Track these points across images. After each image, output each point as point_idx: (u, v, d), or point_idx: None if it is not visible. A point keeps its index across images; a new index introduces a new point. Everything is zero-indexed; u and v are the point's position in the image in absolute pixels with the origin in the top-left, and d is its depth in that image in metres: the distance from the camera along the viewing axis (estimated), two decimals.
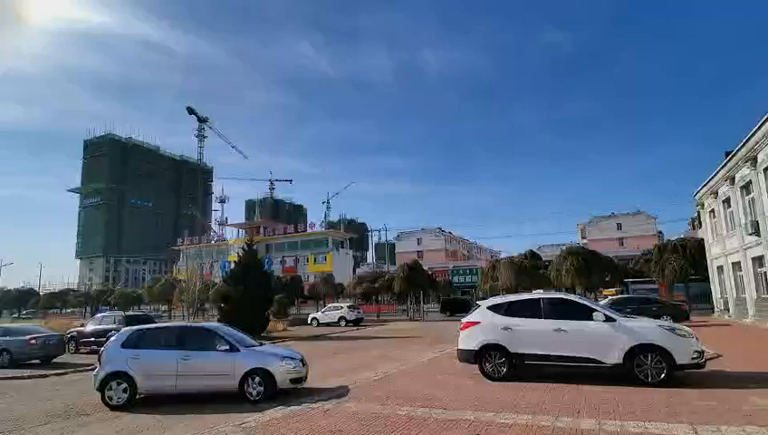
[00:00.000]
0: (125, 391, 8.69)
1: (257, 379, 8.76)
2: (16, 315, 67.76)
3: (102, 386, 8.74)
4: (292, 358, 9.35)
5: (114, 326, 18.10)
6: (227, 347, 9.07)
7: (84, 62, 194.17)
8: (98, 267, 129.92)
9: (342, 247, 79.52)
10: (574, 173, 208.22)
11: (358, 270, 79.32)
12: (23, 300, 75.93)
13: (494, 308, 10.04)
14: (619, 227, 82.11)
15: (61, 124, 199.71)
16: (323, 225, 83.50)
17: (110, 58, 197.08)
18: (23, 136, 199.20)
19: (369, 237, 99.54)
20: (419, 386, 9.42)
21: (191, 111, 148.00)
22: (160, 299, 56.09)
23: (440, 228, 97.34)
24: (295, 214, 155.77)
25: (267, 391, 8.71)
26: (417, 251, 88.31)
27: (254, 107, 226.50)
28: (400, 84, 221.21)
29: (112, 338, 9.69)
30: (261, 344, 10.21)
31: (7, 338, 16.31)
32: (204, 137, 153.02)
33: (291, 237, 78.97)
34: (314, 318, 35.68)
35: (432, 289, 49.75)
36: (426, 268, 47.89)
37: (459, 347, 10.15)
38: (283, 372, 8.91)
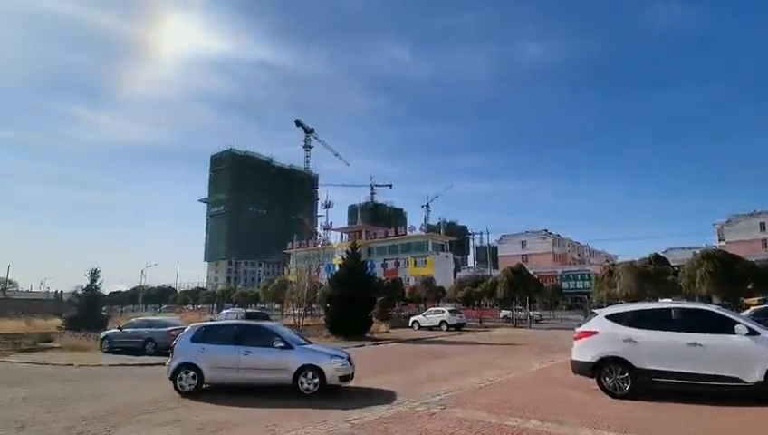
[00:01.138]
0: (193, 378, 9.50)
1: (312, 374, 9.25)
2: (159, 310, 78.14)
3: (174, 375, 9.58)
4: (340, 357, 9.79)
5: (237, 321, 19.89)
6: (282, 344, 9.61)
7: (208, 85, 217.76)
8: (222, 269, 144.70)
9: (443, 251, 78.93)
10: (709, 169, 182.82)
11: (458, 274, 78.18)
12: (163, 297, 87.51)
13: (614, 317, 9.20)
14: (763, 227, 70.64)
15: (189, 141, 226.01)
16: (423, 228, 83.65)
17: (230, 79, 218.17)
18: (157, 152, 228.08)
19: (470, 240, 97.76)
20: (529, 397, 8.89)
21: (299, 123, 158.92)
22: (274, 298, 60.73)
23: (546, 230, 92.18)
24: (395, 217, 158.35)
25: (321, 387, 9.18)
26: (522, 254, 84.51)
27: (350, 113, 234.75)
28: (495, 81, 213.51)
29: (182, 333, 10.59)
30: (311, 343, 10.78)
31: (152, 329, 18.83)
32: (310, 147, 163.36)
33: (391, 241, 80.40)
34: (415, 321, 35.81)
35: (539, 295, 47.16)
36: (531, 272, 45.53)
37: (573, 358, 9.39)
38: (331, 369, 9.35)
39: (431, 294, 53.54)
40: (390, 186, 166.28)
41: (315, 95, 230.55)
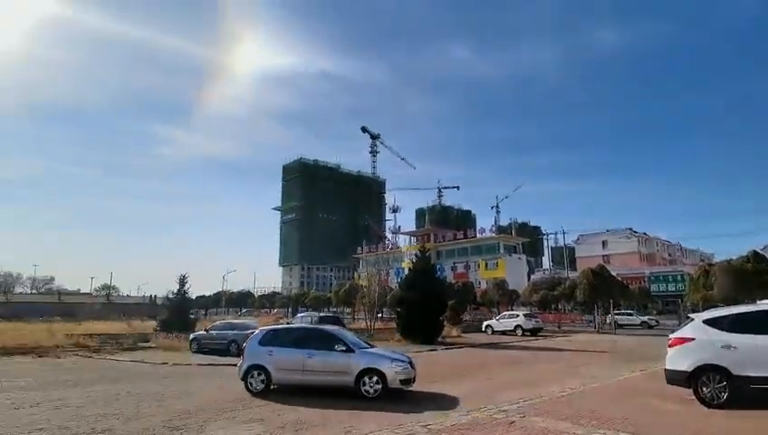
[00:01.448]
0: (261, 376, 9.93)
1: (374, 378, 9.36)
2: (240, 313, 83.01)
3: (245, 376, 10.06)
4: (401, 360, 9.88)
5: (311, 325, 20.55)
6: (344, 348, 9.81)
7: (276, 100, 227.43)
8: (296, 274, 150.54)
9: (515, 252, 76.30)
10: None
11: (533, 276, 75.17)
12: (242, 301, 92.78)
13: (711, 322, 8.43)
14: None
15: (259, 154, 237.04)
16: (493, 230, 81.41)
17: (295, 92, 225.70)
18: (231, 165, 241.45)
19: (544, 241, 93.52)
20: (617, 407, 8.29)
21: (365, 129, 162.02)
22: (345, 302, 62.09)
23: (631, 229, 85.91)
24: (463, 219, 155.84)
25: (383, 390, 9.24)
26: (603, 255, 79.33)
27: (413, 116, 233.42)
28: (566, 75, 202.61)
29: (252, 337, 11.07)
30: (372, 347, 10.98)
31: (235, 331, 20.00)
32: (376, 152, 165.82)
33: (460, 243, 79.08)
34: (488, 325, 34.87)
35: (623, 298, 44.05)
36: (614, 274, 42.62)
37: (667, 367, 8.65)
38: (392, 372, 9.42)
39: (504, 297, 51.94)
40: (458, 188, 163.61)
41: (378, 101, 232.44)
